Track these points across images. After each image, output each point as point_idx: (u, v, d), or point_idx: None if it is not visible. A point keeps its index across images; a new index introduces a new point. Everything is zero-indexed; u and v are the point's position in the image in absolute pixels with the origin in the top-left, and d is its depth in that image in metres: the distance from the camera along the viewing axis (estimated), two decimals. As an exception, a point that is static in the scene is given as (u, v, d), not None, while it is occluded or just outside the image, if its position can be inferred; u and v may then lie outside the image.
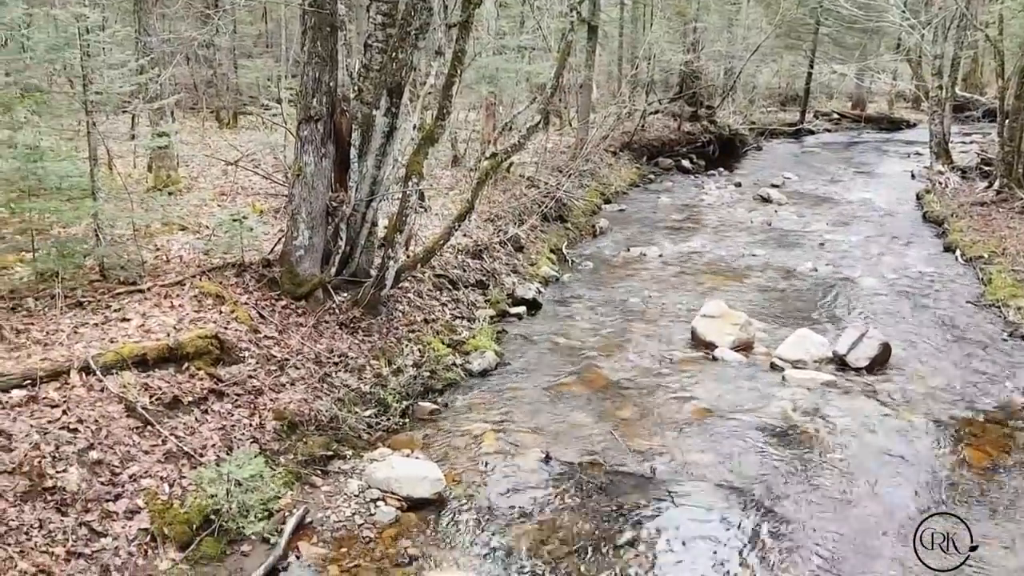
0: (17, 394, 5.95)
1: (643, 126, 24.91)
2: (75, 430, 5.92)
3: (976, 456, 7.64)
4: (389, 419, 8.03)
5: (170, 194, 11.88)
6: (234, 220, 9.03)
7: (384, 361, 8.84)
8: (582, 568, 5.94)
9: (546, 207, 15.42)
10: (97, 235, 8.31)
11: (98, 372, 6.44)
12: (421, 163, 9.15)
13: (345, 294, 9.31)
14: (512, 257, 13.09)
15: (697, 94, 27.08)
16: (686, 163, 24.91)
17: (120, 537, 5.55)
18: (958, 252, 14.65)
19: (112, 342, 6.92)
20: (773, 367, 9.62)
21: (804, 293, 12.77)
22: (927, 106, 22.25)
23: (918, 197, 19.85)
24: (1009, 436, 8.05)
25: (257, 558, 5.81)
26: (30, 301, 7.48)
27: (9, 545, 5.09)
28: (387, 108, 8.97)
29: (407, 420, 8.12)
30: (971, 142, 25.53)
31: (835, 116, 35.81)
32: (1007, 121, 16.83)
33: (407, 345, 9.27)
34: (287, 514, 6.26)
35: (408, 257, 9.84)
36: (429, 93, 9.69)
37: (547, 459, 7.42)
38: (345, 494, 6.69)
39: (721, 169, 24.56)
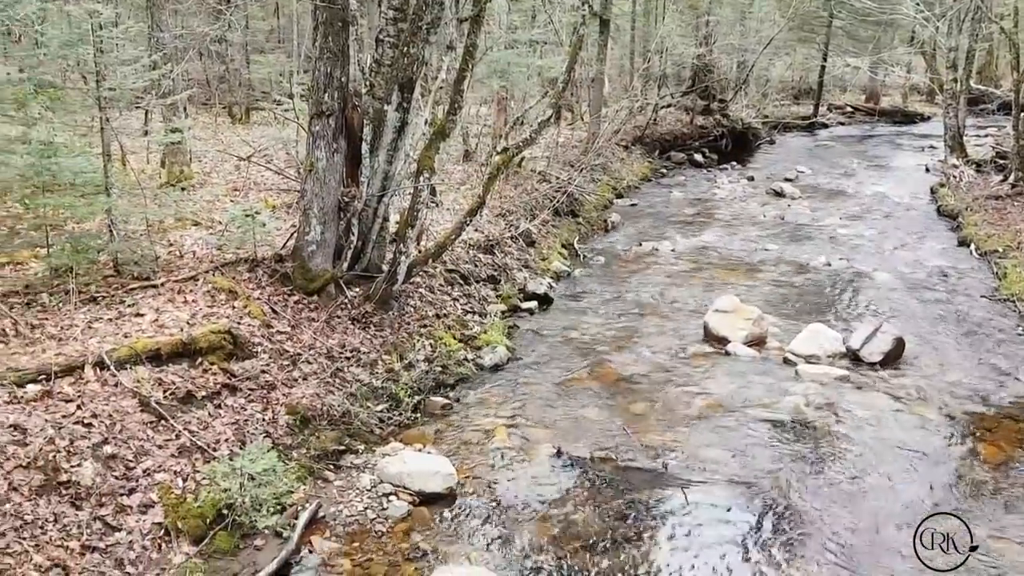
0: (32, 389, 6.00)
1: (655, 120, 24.82)
2: (89, 425, 5.96)
3: (990, 451, 7.59)
4: (401, 414, 8.05)
5: (183, 190, 11.92)
6: (247, 215, 9.05)
7: (396, 356, 8.85)
8: (594, 563, 5.94)
9: (557, 202, 15.40)
10: (111, 231, 8.36)
11: (112, 367, 6.48)
12: (432, 158, 9.15)
13: (357, 289, 9.33)
14: (523, 252, 13.08)
15: (710, 88, 26.94)
16: (698, 157, 24.81)
17: (134, 531, 5.59)
18: (973, 246, 14.56)
19: (126, 337, 6.96)
20: (786, 362, 9.58)
21: (817, 287, 12.71)
22: (941, 99, 22.09)
23: (932, 191, 19.73)
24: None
25: (270, 552, 5.84)
26: (44, 296, 7.52)
27: (24, 539, 5.13)
28: (398, 103, 8.97)
29: (419, 415, 8.14)
30: (986, 135, 25.33)
31: (849, 109, 35.62)
32: (1022, 114, 16.68)
33: (419, 340, 9.29)
34: (300, 508, 6.29)
35: (419, 252, 9.84)
36: (440, 88, 9.68)
37: (558, 454, 7.42)
38: (357, 488, 6.71)
39: (734, 163, 24.46)
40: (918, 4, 21.31)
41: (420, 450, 7.29)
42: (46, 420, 5.78)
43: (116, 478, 5.80)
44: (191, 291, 8.15)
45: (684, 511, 6.59)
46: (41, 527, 5.25)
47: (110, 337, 6.93)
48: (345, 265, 9.18)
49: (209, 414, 6.79)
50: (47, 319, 7.18)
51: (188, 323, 7.45)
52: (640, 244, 15.24)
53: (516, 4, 19.51)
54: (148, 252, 8.60)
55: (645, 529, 6.35)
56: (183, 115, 13.01)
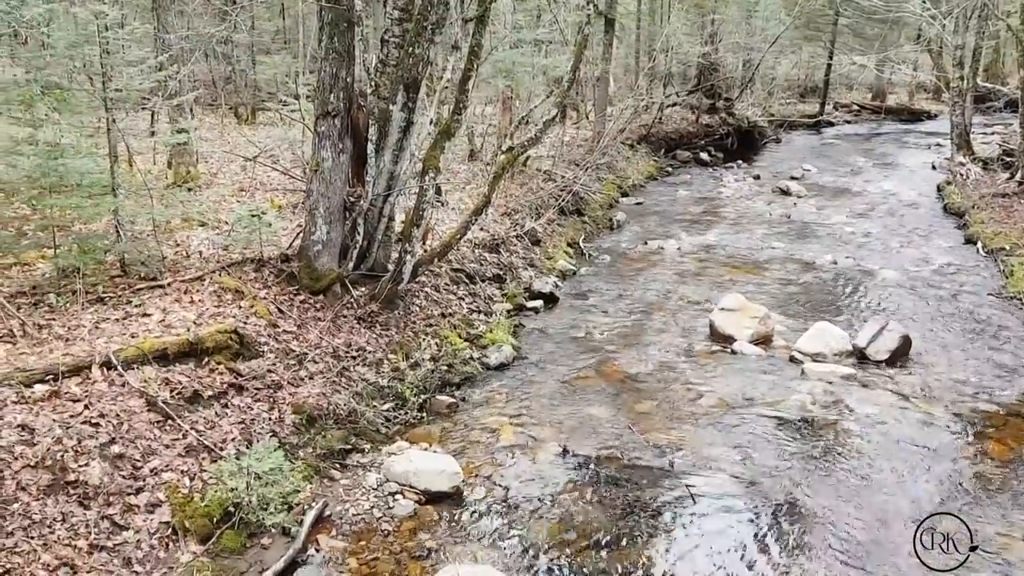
0: (40, 389, 6.02)
1: (661, 119, 24.81)
2: (97, 424, 5.99)
3: (997, 449, 7.58)
4: (407, 413, 8.06)
5: (189, 190, 11.97)
6: (253, 216, 9.08)
7: (402, 355, 8.87)
8: (600, 561, 5.94)
9: (563, 201, 15.39)
10: (118, 231, 8.39)
11: (119, 367, 6.50)
12: (438, 157, 9.16)
13: (363, 289, 9.35)
14: (529, 251, 13.09)
15: (715, 86, 26.88)
16: (704, 156, 24.78)
17: (142, 530, 5.61)
18: (979, 244, 14.52)
19: (133, 337, 6.99)
20: (792, 360, 9.57)
21: (823, 286, 12.69)
22: (948, 97, 22.03)
23: (939, 188, 19.68)
24: (1031, 429, 7.98)
25: (277, 551, 5.86)
26: (52, 297, 7.56)
27: (33, 538, 5.16)
28: (404, 103, 8.99)
29: (425, 414, 8.15)
30: (992, 133, 25.27)
31: (855, 107, 35.53)
32: (1029, 112, 16.63)
33: (424, 339, 9.30)
34: (306, 507, 6.31)
35: (425, 251, 9.85)
36: (446, 88, 9.69)
37: (564, 453, 7.42)
38: (364, 487, 6.73)
39: (740, 161, 24.42)
40: (924, 1, 21.22)
41: (426, 449, 7.30)
42: (54, 420, 5.81)
43: (123, 477, 5.82)
44: (198, 291, 8.18)
45: (690, 509, 6.59)
46: (49, 526, 5.28)
47: (117, 337, 6.96)
48: (351, 265, 9.20)
49: (216, 413, 6.82)
50: (54, 319, 7.21)
51: (195, 323, 7.48)
52: (646, 243, 15.23)
53: (521, 3, 19.50)
54: (155, 252, 8.63)
55: (651, 527, 6.35)
56: (189, 116, 13.05)
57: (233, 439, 6.65)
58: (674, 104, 26.16)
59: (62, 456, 5.61)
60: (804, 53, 34.13)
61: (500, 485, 6.91)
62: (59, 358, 6.38)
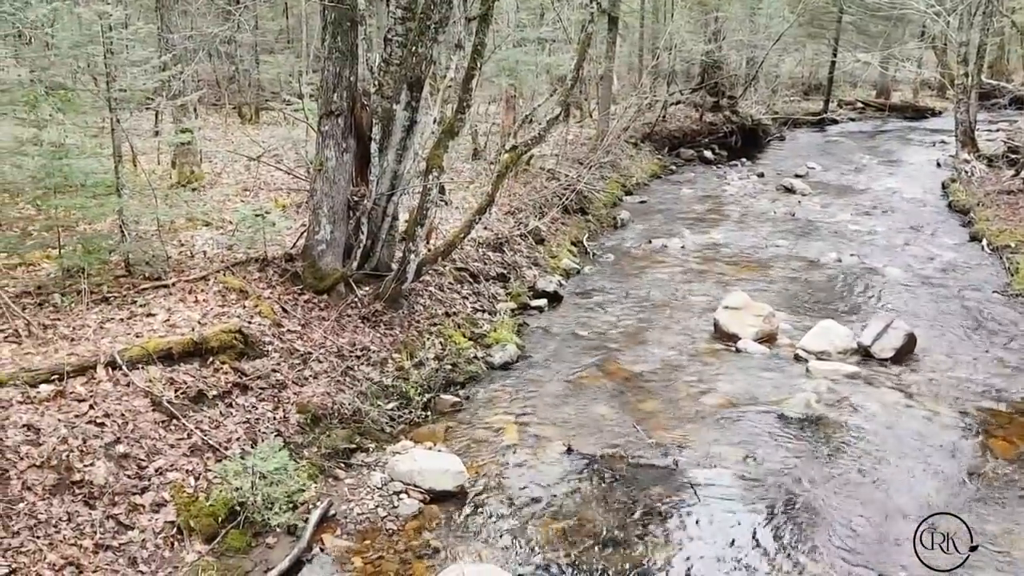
0: (45, 389, 6.04)
1: (664, 117, 24.79)
2: (102, 424, 6.00)
3: (1002, 447, 7.56)
4: (411, 412, 8.06)
5: (193, 190, 11.98)
6: (257, 215, 9.08)
7: (406, 354, 8.87)
8: (604, 559, 5.94)
9: (567, 199, 15.38)
10: (122, 231, 8.41)
11: (124, 367, 6.51)
12: (441, 156, 9.16)
13: (367, 288, 9.36)
14: (533, 250, 13.09)
15: (719, 84, 26.88)
16: (708, 154, 24.77)
17: (147, 530, 5.62)
18: (984, 241, 14.48)
19: (138, 337, 7.00)
20: (797, 359, 9.56)
21: (828, 284, 12.67)
22: (952, 94, 21.98)
23: (943, 186, 19.64)
24: (1037, 427, 7.96)
25: (282, 550, 5.87)
26: (57, 297, 7.57)
27: (39, 538, 5.17)
28: (407, 102, 8.99)
29: (429, 413, 8.15)
30: (997, 130, 25.15)
31: (859, 105, 35.49)
32: (1034, 108, 16.58)
33: (428, 338, 9.30)
34: (311, 507, 6.31)
35: (429, 251, 9.86)
36: (449, 87, 9.69)
37: (569, 451, 7.42)
38: (368, 487, 6.73)
39: (744, 159, 24.40)
40: (929, -2, 21.20)
41: (430, 448, 7.30)
42: (59, 420, 5.82)
43: (129, 477, 5.84)
44: (202, 291, 8.19)
45: (695, 507, 6.59)
46: (55, 526, 5.29)
47: (122, 337, 6.98)
48: (355, 264, 9.21)
49: (220, 413, 6.83)
50: (59, 319, 7.23)
51: (199, 323, 7.49)
52: (650, 241, 15.22)
53: (524, 2, 19.52)
54: (159, 252, 8.65)
55: (655, 525, 6.35)
56: (193, 116, 13.07)
57: (238, 439, 6.66)
58: (678, 102, 26.14)
59: (67, 456, 5.63)
60: (808, 50, 34.09)
61: (504, 484, 6.91)
62: (64, 358, 6.39)
